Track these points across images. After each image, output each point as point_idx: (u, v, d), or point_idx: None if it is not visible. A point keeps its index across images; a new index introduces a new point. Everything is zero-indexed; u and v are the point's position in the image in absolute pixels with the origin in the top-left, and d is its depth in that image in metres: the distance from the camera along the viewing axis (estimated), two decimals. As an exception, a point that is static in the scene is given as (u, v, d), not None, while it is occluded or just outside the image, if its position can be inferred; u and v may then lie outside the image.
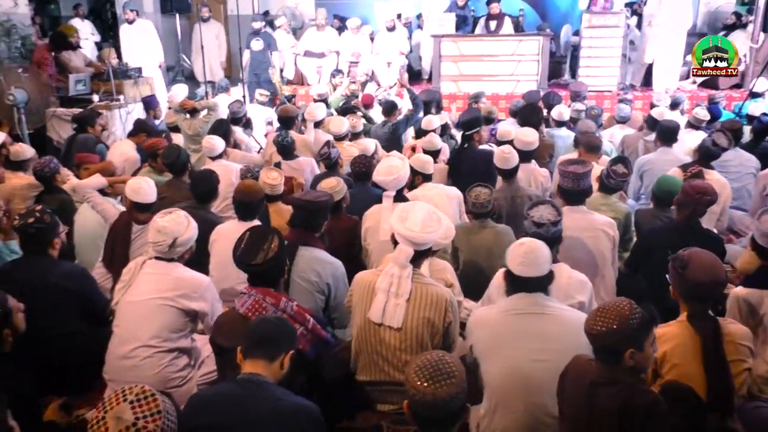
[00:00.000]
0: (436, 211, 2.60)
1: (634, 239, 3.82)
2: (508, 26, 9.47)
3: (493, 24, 9.46)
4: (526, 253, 2.33)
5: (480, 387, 2.35)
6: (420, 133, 5.70)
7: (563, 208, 3.40)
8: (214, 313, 2.81)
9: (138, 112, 7.32)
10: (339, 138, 5.36)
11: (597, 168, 4.05)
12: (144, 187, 3.61)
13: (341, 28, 10.40)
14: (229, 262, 3.36)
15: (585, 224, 3.35)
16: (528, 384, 2.22)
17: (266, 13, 10.78)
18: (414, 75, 10.26)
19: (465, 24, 9.65)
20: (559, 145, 5.67)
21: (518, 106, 6.57)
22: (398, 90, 9.00)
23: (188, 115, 6.03)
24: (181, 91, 7.11)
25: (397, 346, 2.51)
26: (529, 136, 4.57)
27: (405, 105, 7.54)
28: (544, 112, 6.13)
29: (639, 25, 9.39)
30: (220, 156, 4.83)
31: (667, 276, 2.47)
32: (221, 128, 5.31)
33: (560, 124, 5.95)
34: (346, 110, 6.67)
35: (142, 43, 9.29)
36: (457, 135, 6.38)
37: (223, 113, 6.10)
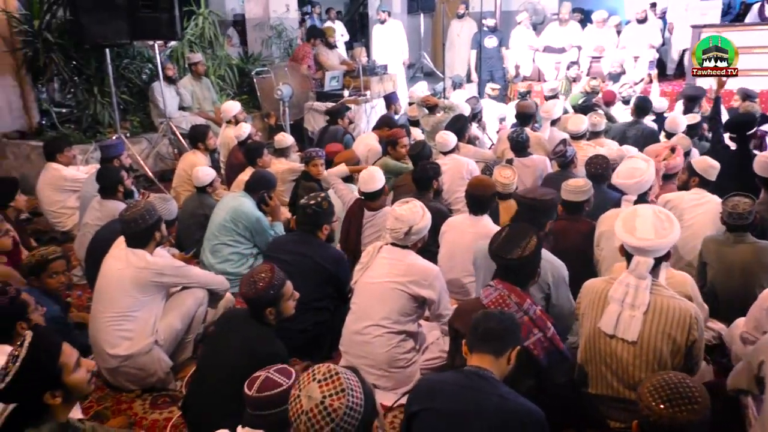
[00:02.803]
0: (662, 210, 2.40)
1: None
2: (789, 12, 8.16)
3: (769, 10, 8.22)
4: None
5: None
6: (668, 135, 5.21)
7: None
8: (441, 302, 2.91)
9: (381, 106, 7.84)
10: (576, 137, 5.14)
11: None
12: (367, 178, 3.85)
13: (584, 22, 9.93)
14: (457, 254, 3.49)
15: None
16: None
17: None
18: (663, 70, 9.39)
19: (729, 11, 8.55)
20: None
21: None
22: (645, 86, 8.33)
23: (427, 111, 6.29)
24: (421, 87, 7.44)
25: (630, 361, 2.34)
26: (809, 141, 3.89)
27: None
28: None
29: None
30: (452, 151, 4.96)
31: None
32: (458, 124, 5.45)
33: None
34: (585, 108, 6.36)
35: (390, 41, 9.95)
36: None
37: (461, 110, 6.22)
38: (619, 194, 3.71)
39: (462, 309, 2.60)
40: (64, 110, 7.04)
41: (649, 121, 6.09)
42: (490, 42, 9.52)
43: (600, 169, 3.92)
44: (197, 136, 5.53)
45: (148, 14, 6.00)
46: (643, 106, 5.95)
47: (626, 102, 7.37)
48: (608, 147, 5.10)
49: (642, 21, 9.00)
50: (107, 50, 6.07)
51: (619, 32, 9.38)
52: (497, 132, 7.03)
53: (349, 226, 3.96)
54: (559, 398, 2.40)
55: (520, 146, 4.88)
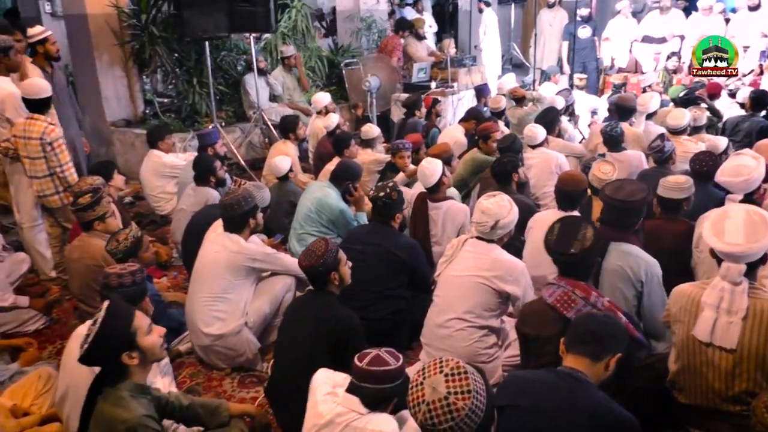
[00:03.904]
0: (758, 211, 2.19)
1: None
2: None
3: None
4: None
5: None
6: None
7: None
8: (526, 298, 2.85)
9: (468, 98, 7.75)
10: (676, 132, 4.86)
11: None
12: (421, 175, 3.84)
13: (688, 10, 9.36)
14: (543, 251, 3.39)
15: None
16: None
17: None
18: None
19: None
20: None
21: None
22: (754, 79, 7.76)
23: (515, 103, 6.17)
24: (510, 79, 7.29)
25: (730, 370, 2.19)
26: None
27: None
28: None
29: None
30: (540, 144, 4.83)
31: None
32: (548, 117, 5.30)
33: None
34: (687, 101, 6.01)
35: (488, 32, 9.84)
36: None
37: (552, 102, 6.05)
38: (722, 193, 3.49)
39: (527, 312, 2.54)
40: (165, 100, 7.44)
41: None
42: (584, 32, 9.17)
43: (706, 167, 3.68)
44: (288, 127, 5.71)
45: (245, 7, 6.25)
46: (760, 99, 5.55)
47: (732, 95, 6.91)
48: (715, 143, 4.79)
49: (754, 8, 8.37)
50: (206, 43, 6.35)
51: (727, 20, 8.78)
52: (588, 125, 6.78)
53: (416, 221, 3.96)
54: (641, 400, 2.30)
55: (614, 141, 4.67)
